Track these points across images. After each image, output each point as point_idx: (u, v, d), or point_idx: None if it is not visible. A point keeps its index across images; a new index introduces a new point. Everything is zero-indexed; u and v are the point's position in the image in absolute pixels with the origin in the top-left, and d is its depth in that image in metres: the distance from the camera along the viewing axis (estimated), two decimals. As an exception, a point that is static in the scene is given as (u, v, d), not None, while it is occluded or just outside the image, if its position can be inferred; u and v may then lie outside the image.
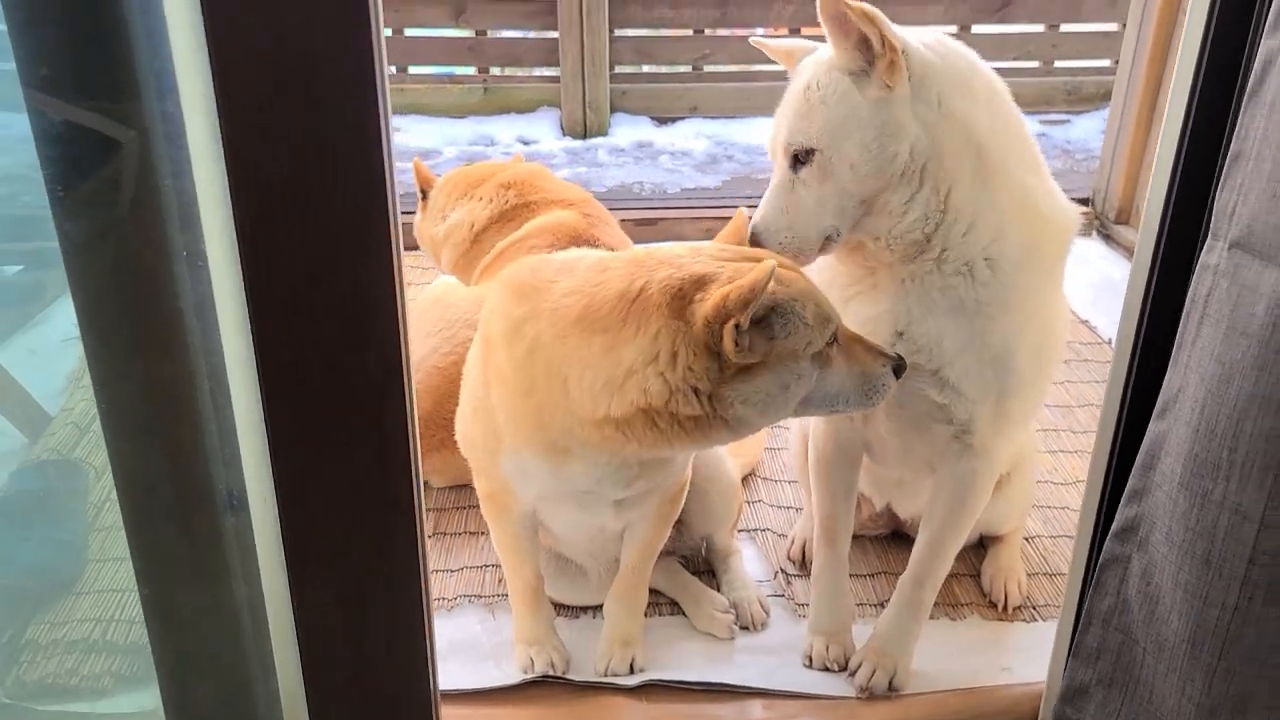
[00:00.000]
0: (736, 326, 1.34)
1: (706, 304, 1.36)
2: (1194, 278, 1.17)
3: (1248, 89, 1.07)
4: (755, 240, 1.56)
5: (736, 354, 1.36)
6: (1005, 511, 2.07)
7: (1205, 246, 1.15)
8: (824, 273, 1.68)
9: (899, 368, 1.50)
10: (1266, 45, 1.04)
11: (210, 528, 1.27)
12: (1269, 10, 1.03)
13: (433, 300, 2.55)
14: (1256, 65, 1.06)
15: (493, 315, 1.60)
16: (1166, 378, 1.21)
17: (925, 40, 1.51)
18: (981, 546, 2.23)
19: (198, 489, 1.25)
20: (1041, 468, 2.57)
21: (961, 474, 1.70)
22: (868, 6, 1.42)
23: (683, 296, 1.39)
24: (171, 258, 1.13)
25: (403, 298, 1.18)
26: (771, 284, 1.34)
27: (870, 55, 1.45)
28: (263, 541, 1.27)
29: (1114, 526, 1.31)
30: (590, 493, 1.65)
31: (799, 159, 1.52)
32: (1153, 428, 1.24)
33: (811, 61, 1.53)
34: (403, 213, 3.68)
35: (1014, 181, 1.54)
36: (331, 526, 1.26)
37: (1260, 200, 1.05)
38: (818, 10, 1.44)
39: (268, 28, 1.01)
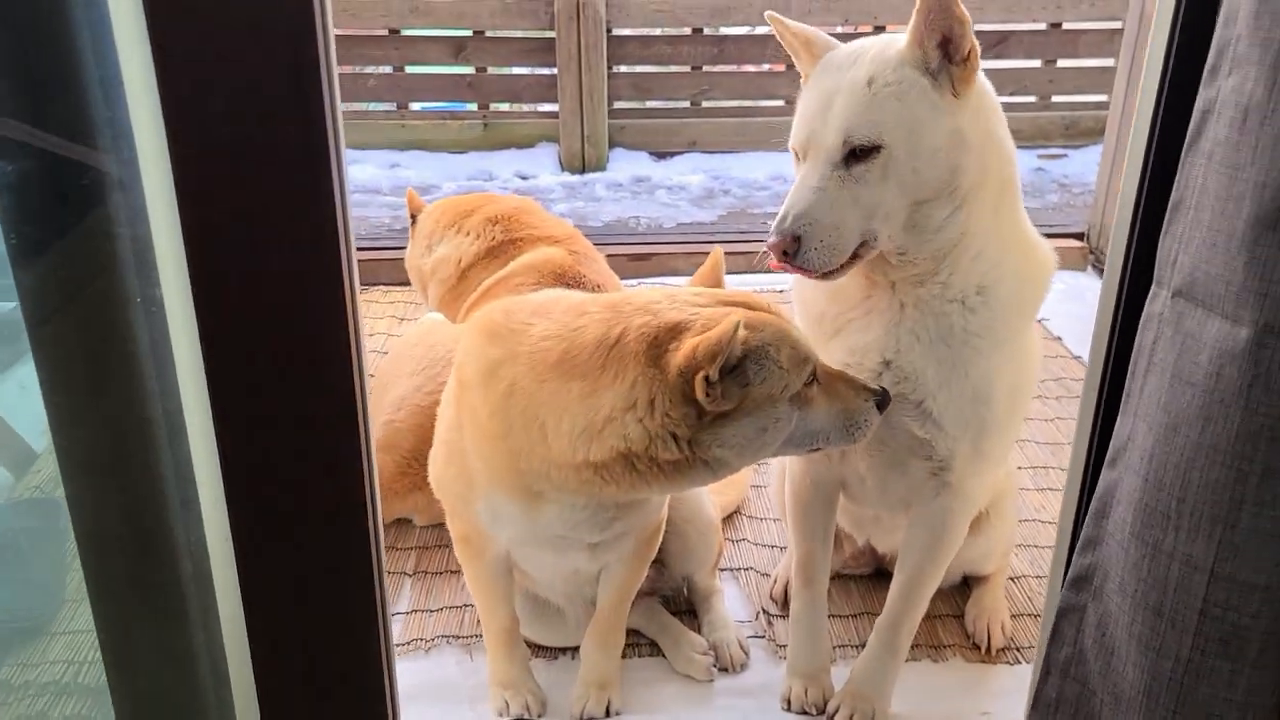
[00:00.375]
0: (706, 378, 1.34)
1: (679, 354, 1.37)
2: (1140, 326, 1.17)
3: (1187, 139, 1.07)
4: (792, 235, 1.45)
5: (710, 403, 1.37)
6: (986, 551, 2.06)
7: (1150, 294, 1.15)
8: (815, 305, 1.68)
9: (882, 402, 1.49)
10: (1204, 95, 1.05)
11: (168, 571, 1.27)
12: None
13: (417, 339, 2.55)
14: (1194, 115, 1.06)
15: (467, 358, 1.60)
16: (1117, 425, 1.21)
17: None
18: (965, 587, 2.21)
19: (155, 533, 1.25)
20: (1029, 506, 2.55)
21: (937, 512, 1.69)
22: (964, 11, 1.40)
23: (658, 345, 1.40)
24: (127, 303, 1.14)
25: (358, 342, 1.18)
26: (743, 332, 1.35)
27: (946, 57, 1.42)
28: (221, 585, 1.26)
29: (1069, 575, 1.29)
30: (565, 537, 1.65)
31: (857, 154, 1.43)
32: (1105, 475, 1.23)
33: (870, 56, 1.46)
34: (388, 248, 3.67)
35: (1017, 214, 1.56)
36: (289, 569, 1.25)
37: (1201, 249, 1.05)
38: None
39: (220, 78, 1.02)
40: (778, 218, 1.46)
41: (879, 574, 2.25)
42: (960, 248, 1.51)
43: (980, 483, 1.70)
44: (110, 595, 1.27)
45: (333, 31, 1.07)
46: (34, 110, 1.07)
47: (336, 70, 1.09)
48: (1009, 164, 1.53)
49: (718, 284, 1.61)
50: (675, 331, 1.40)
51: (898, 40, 1.46)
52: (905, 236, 1.50)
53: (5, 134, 1.07)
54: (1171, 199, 1.11)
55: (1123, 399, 1.20)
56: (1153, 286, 1.14)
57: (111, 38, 1.02)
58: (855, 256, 1.50)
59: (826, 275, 1.49)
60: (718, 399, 1.37)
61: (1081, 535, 1.26)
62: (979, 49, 1.42)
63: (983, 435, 1.61)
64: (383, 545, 1.30)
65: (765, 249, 1.48)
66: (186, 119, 1.03)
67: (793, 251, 1.45)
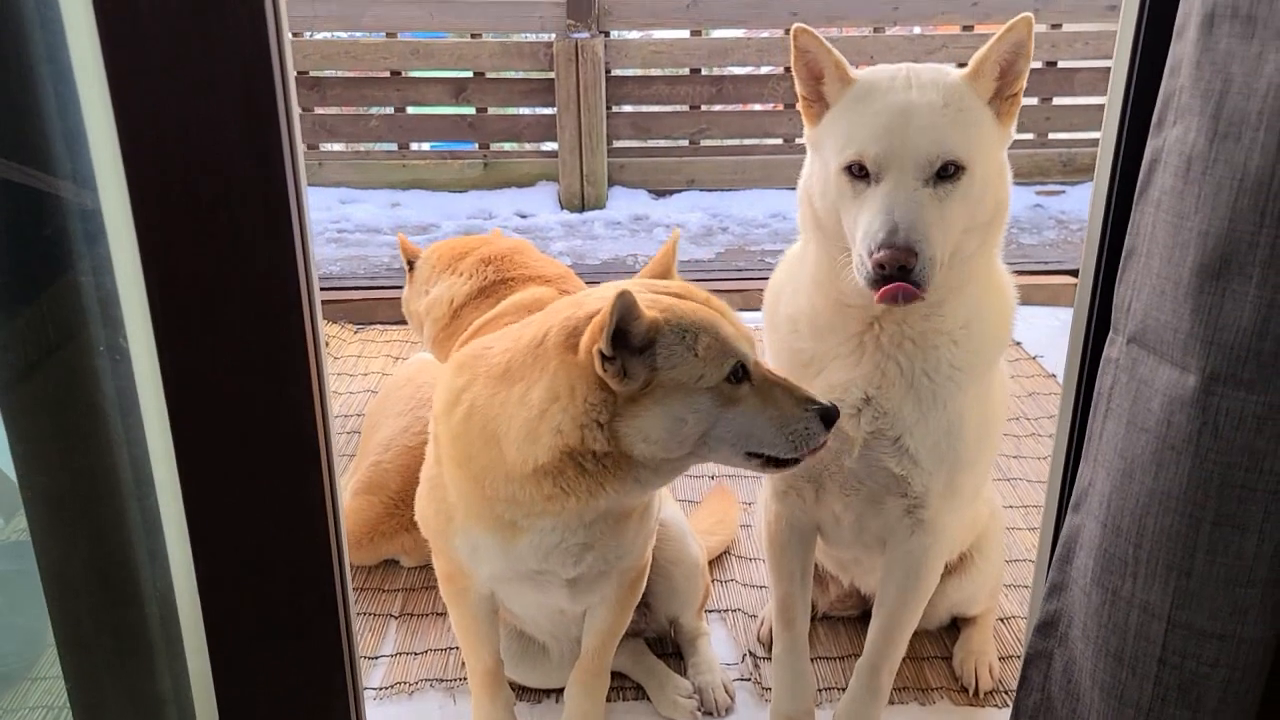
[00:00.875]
0: (601, 353, 1.34)
1: (585, 335, 1.38)
2: (1099, 371, 1.17)
3: (1137, 187, 1.08)
4: (911, 248, 1.36)
5: (612, 380, 1.36)
6: (973, 593, 2.04)
7: (1108, 339, 1.15)
8: (799, 347, 1.66)
9: (827, 416, 1.43)
10: (1152, 145, 1.06)
11: (136, 617, 1.27)
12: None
13: (405, 379, 2.56)
14: (1144, 164, 1.07)
15: (438, 391, 1.62)
16: (1079, 470, 1.21)
17: None
18: (954, 628, 2.19)
19: (123, 579, 1.25)
20: (1019, 545, 2.53)
21: (913, 551, 1.68)
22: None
23: (576, 333, 1.40)
24: (93, 352, 1.15)
25: (322, 389, 1.19)
26: (651, 314, 1.35)
27: (998, 91, 1.46)
28: (188, 630, 1.27)
29: (1037, 620, 1.28)
30: (542, 573, 1.64)
31: (945, 173, 1.41)
32: (1069, 521, 1.22)
33: (928, 79, 1.45)
34: (386, 288, 3.68)
35: (998, 252, 1.58)
36: (255, 614, 1.26)
37: (1151, 297, 1.05)
38: (1008, 27, 1.40)
39: (179, 131, 1.04)
40: (880, 230, 1.37)
41: (866, 616, 2.23)
42: (958, 290, 1.52)
43: (954, 520, 1.70)
44: (77, 641, 1.28)
45: (292, 79, 1.09)
46: None
47: (297, 114, 1.11)
48: (1007, 197, 1.54)
49: (668, 270, 1.62)
50: (592, 319, 1.39)
51: (944, 67, 1.49)
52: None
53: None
54: (1125, 246, 1.11)
55: (1084, 444, 1.20)
56: (1110, 332, 1.15)
57: (74, 89, 1.04)
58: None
59: (910, 300, 1.41)
60: (619, 376, 1.36)
61: (1048, 580, 1.25)
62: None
63: (956, 470, 1.61)
64: (350, 589, 1.30)
65: (874, 265, 1.37)
66: (147, 171, 1.05)
67: (911, 266, 1.36)
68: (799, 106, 1.58)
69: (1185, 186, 1.01)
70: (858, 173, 1.45)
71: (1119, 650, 1.13)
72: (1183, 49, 1.06)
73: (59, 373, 1.15)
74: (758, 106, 5.63)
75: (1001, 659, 2.12)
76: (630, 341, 1.34)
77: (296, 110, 1.10)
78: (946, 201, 1.41)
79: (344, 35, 5.42)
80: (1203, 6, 1.00)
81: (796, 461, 1.44)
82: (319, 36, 5.42)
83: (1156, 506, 1.07)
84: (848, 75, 1.50)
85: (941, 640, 2.18)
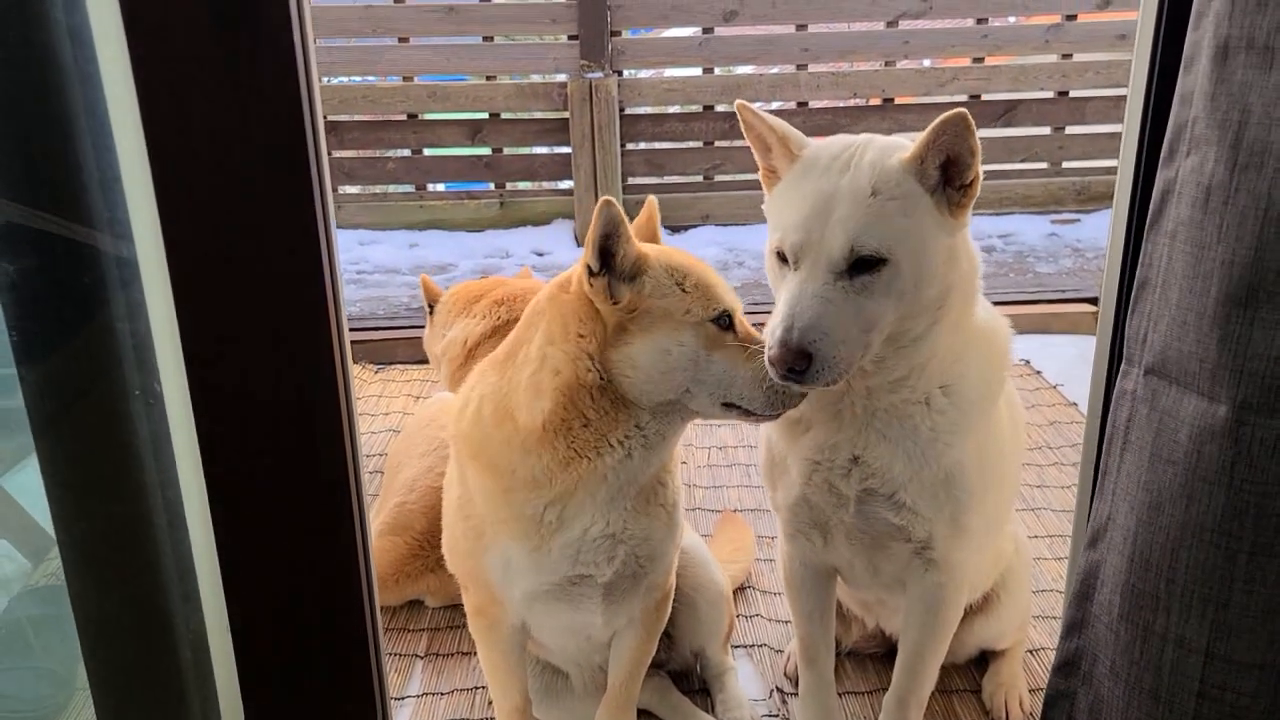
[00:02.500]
0: (589, 268, 1.43)
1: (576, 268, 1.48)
2: (1112, 404, 1.16)
3: (1149, 219, 1.08)
4: (804, 350, 1.34)
5: (602, 299, 1.44)
6: (1000, 630, 2.02)
7: (1120, 372, 1.14)
8: None
9: (790, 363, 1.38)
10: (1163, 176, 1.06)
11: (169, 661, 1.28)
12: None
13: (426, 420, 2.58)
14: (1155, 196, 1.07)
15: (450, 413, 1.71)
16: (1094, 505, 1.20)
17: None
18: (982, 660, 2.17)
19: (156, 622, 1.26)
20: (1047, 575, 2.51)
21: (930, 588, 1.66)
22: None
23: (568, 281, 1.52)
24: (127, 396, 1.17)
25: (353, 432, 1.20)
26: (649, 249, 1.47)
27: (946, 179, 1.37)
28: (220, 674, 1.27)
29: (1056, 660, 1.27)
30: (577, 583, 1.63)
31: (862, 265, 1.36)
32: (1086, 557, 1.21)
33: (868, 162, 1.39)
34: (406, 328, 3.73)
35: (972, 311, 1.53)
36: (287, 657, 1.26)
37: (1172, 328, 1.05)
38: (942, 121, 1.32)
39: (212, 178, 1.06)
40: (778, 327, 1.36)
41: (892, 652, 2.21)
42: (928, 358, 1.49)
43: (970, 555, 1.67)
44: (112, 684, 1.28)
45: (321, 128, 1.11)
46: (37, 210, 1.12)
47: (326, 163, 1.13)
48: (976, 273, 1.49)
49: (653, 235, 1.67)
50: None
51: (891, 147, 1.41)
52: (883, 347, 1.45)
53: (9, 233, 1.11)
54: (1137, 278, 1.11)
55: (1099, 478, 1.19)
56: (1122, 364, 1.14)
57: (112, 141, 1.07)
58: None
59: (827, 384, 1.41)
60: (605, 294, 1.44)
61: (1066, 619, 1.24)
62: (982, 180, 1.37)
63: (960, 513, 1.58)
64: (380, 631, 1.30)
65: (767, 360, 1.38)
66: (182, 218, 1.07)
67: (802, 368, 1.34)
68: (760, 175, 1.55)
69: (1205, 217, 1.01)
70: (782, 258, 1.43)
71: (1154, 687, 1.12)
72: (1193, 80, 1.07)
73: (95, 416, 1.17)
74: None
75: (1032, 691, 2.10)
76: (616, 265, 1.44)
77: (326, 159, 1.12)
78: (865, 295, 1.36)
79: (361, 80, 5.50)
80: (1214, 39, 1.01)
81: (773, 417, 1.50)
82: (337, 81, 5.50)
83: (1189, 539, 1.06)
84: (791, 151, 1.47)
85: (970, 673, 2.16)
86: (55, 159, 1.08)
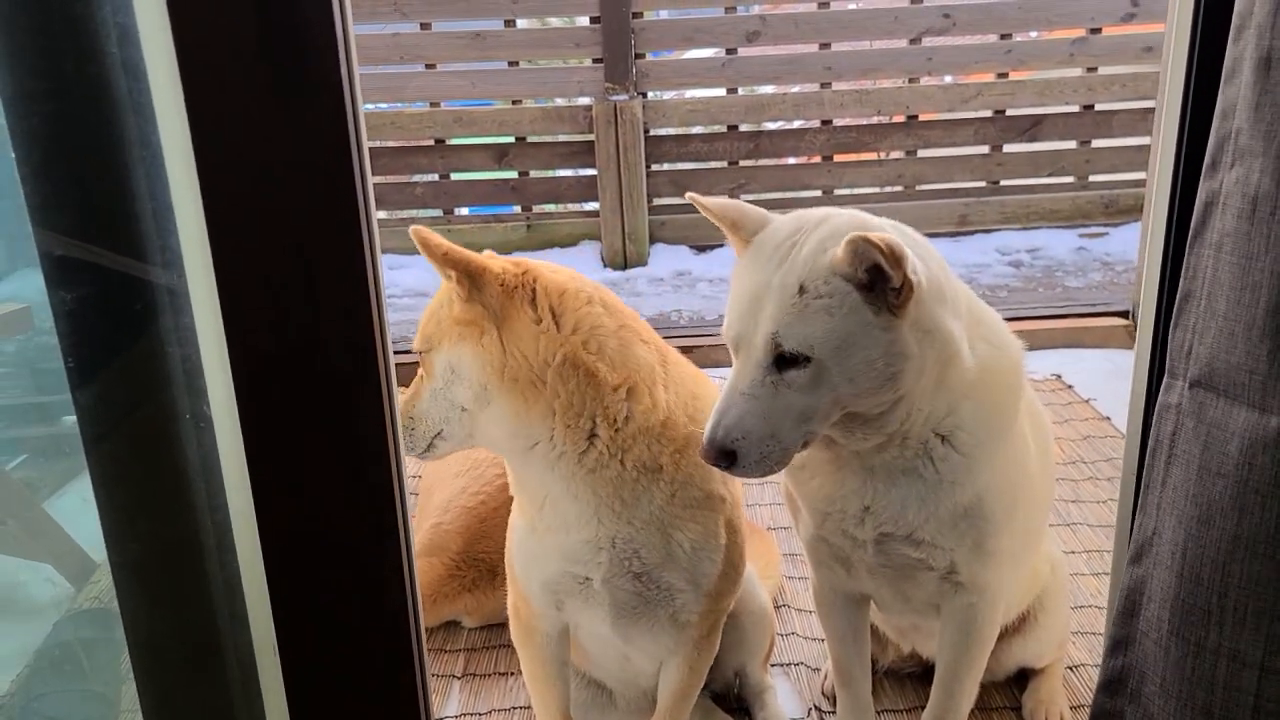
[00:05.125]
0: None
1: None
2: (1155, 418, 1.15)
3: (1191, 230, 1.08)
4: (723, 451, 1.36)
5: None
6: (1038, 650, 2.00)
7: (1163, 385, 1.14)
8: None
9: (714, 460, 1.39)
10: (1206, 187, 1.06)
11: (218, 682, 1.29)
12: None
13: (460, 441, 2.60)
14: (1197, 207, 1.07)
15: None
16: (1137, 520, 1.19)
17: (909, 243, 1.37)
18: (1022, 677, 2.15)
19: (205, 644, 1.28)
20: (1084, 591, 2.49)
21: (960, 609, 1.64)
22: (895, 243, 1.27)
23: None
24: (177, 419, 1.19)
25: (399, 456, 1.22)
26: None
27: (883, 279, 1.31)
28: (268, 695, 1.28)
29: (1101, 678, 1.25)
30: (582, 583, 1.62)
31: (786, 361, 1.35)
32: (1130, 573, 1.20)
33: (803, 256, 1.35)
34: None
35: (964, 362, 1.44)
36: (335, 679, 1.27)
37: (1218, 340, 1.04)
38: (848, 243, 1.28)
39: (261, 206, 1.08)
40: (708, 423, 1.38)
41: (932, 670, 2.20)
42: (910, 418, 1.44)
43: (999, 575, 1.63)
44: (161, 706, 1.30)
45: (368, 157, 1.13)
46: (92, 240, 1.14)
47: (372, 191, 1.15)
48: (957, 341, 1.41)
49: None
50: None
51: (833, 237, 1.35)
52: (846, 423, 1.43)
53: (66, 263, 1.14)
54: (1180, 290, 1.11)
55: (1141, 492, 1.18)
56: (1165, 378, 1.14)
57: (164, 171, 1.09)
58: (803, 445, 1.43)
59: (763, 475, 1.41)
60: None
61: (1110, 636, 1.23)
62: (918, 283, 1.30)
63: (984, 539, 1.55)
64: (425, 651, 1.31)
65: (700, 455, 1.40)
66: (232, 246, 1.09)
67: (726, 465, 1.37)
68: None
69: (1252, 228, 1.01)
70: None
71: (1206, 704, 1.10)
72: (1235, 92, 1.07)
73: (146, 439, 1.19)
74: (789, 160, 5.69)
75: (1073, 708, 2.08)
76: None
77: (371, 186, 1.14)
78: (795, 391, 1.35)
79: (388, 106, 5.57)
80: (1257, 50, 1.01)
81: None
82: (365, 108, 5.55)
83: (1242, 552, 1.05)
84: (742, 239, 1.44)
85: (1009, 691, 2.14)
86: (110, 189, 1.11)
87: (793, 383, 1.35)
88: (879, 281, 1.30)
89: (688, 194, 1.52)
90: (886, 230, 1.38)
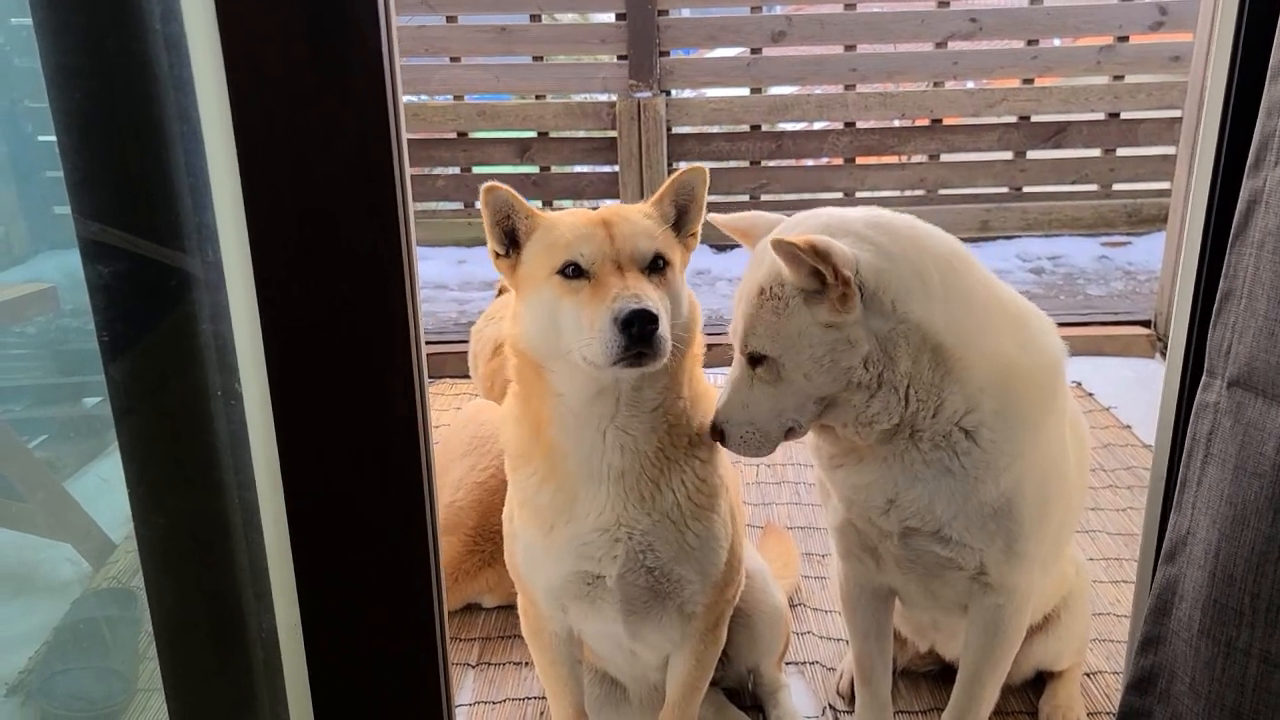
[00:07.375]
0: (494, 251, 1.59)
1: None
2: (1192, 416, 1.14)
3: (1233, 229, 1.07)
4: (719, 430, 1.55)
5: (507, 277, 1.58)
6: (1059, 650, 1.99)
7: (1202, 384, 1.13)
8: (813, 438, 1.64)
9: (629, 326, 1.38)
10: (1249, 186, 1.05)
11: (240, 660, 1.30)
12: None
13: (464, 422, 2.64)
14: (1240, 206, 1.06)
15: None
16: (1172, 519, 1.17)
17: (873, 238, 1.42)
18: (1039, 682, 2.14)
19: (229, 622, 1.28)
20: (1103, 599, 2.48)
21: (987, 610, 1.64)
22: (820, 240, 1.34)
23: None
24: (208, 396, 1.19)
25: (427, 434, 1.22)
26: (551, 216, 1.54)
27: (823, 281, 1.38)
28: (290, 673, 1.29)
29: (1130, 678, 1.24)
30: (591, 583, 1.62)
31: (754, 359, 1.48)
32: (1163, 572, 1.19)
33: (768, 264, 1.44)
34: (453, 342, 3.79)
35: (979, 354, 1.46)
36: (357, 657, 1.28)
37: (1258, 339, 1.03)
38: (769, 244, 1.38)
39: (298, 185, 1.09)
40: (716, 404, 1.57)
41: (946, 671, 2.19)
42: (909, 411, 1.47)
43: (1028, 578, 1.63)
44: (184, 682, 1.30)
45: (405, 140, 1.14)
46: (129, 216, 1.15)
47: (409, 176, 1.15)
48: (939, 330, 1.43)
49: (687, 206, 1.64)
50: None
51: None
52: (838, 414, 1.49)
53: (101, 239, 1.14)
54: (1220, 289, 1.10)
55: (1177, 491, 1.18)
56: (1204, 376, 1.13)
57: (202, 149, 1.09)
58: (789, 436, 1.54)
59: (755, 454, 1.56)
60: (510, 272, 1.57)
61: (1141, 635, 1.22)
62: (855, 281, 1.37)
63: (1014, 541, 1.55)
64: (447, 633, 1.32)
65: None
66: (268, 224, 1.10)
67: (719, 441, 1.57)
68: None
69: (1295, 226, 1.00)
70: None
71: (1236, 704, 1.09)
72: None
73: (177, 414, 1.19)
74: (810, 162, 5.68)
75: (1090, 715, 2.07)
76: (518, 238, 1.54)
77: (409, 169, 1.14)
78: (767, 384, 1.49)
79: (412, 99, 5.58)
80: (1303, 48, 1.01)
81: (620, 365, 1.41)
82: (390, 99, 5.58)
83: (1276, 553, 1.04)
84: (754, 240, 1.60)
85: (1026, 695, 2.13)
86: (149, 166, 1.11)
87: (762, 378, 1.49)
88: (824, 285, 1.38)
89: (712, 217, 1.65)
90: (856, 225, 1.44)
